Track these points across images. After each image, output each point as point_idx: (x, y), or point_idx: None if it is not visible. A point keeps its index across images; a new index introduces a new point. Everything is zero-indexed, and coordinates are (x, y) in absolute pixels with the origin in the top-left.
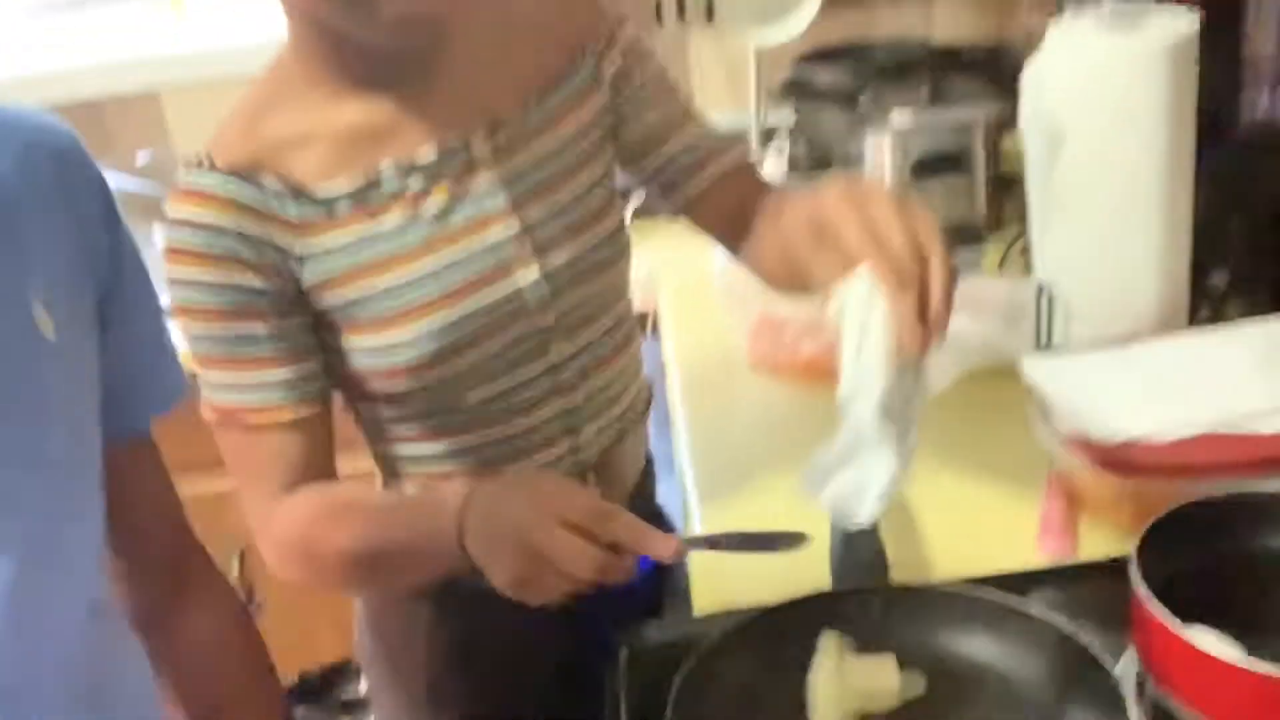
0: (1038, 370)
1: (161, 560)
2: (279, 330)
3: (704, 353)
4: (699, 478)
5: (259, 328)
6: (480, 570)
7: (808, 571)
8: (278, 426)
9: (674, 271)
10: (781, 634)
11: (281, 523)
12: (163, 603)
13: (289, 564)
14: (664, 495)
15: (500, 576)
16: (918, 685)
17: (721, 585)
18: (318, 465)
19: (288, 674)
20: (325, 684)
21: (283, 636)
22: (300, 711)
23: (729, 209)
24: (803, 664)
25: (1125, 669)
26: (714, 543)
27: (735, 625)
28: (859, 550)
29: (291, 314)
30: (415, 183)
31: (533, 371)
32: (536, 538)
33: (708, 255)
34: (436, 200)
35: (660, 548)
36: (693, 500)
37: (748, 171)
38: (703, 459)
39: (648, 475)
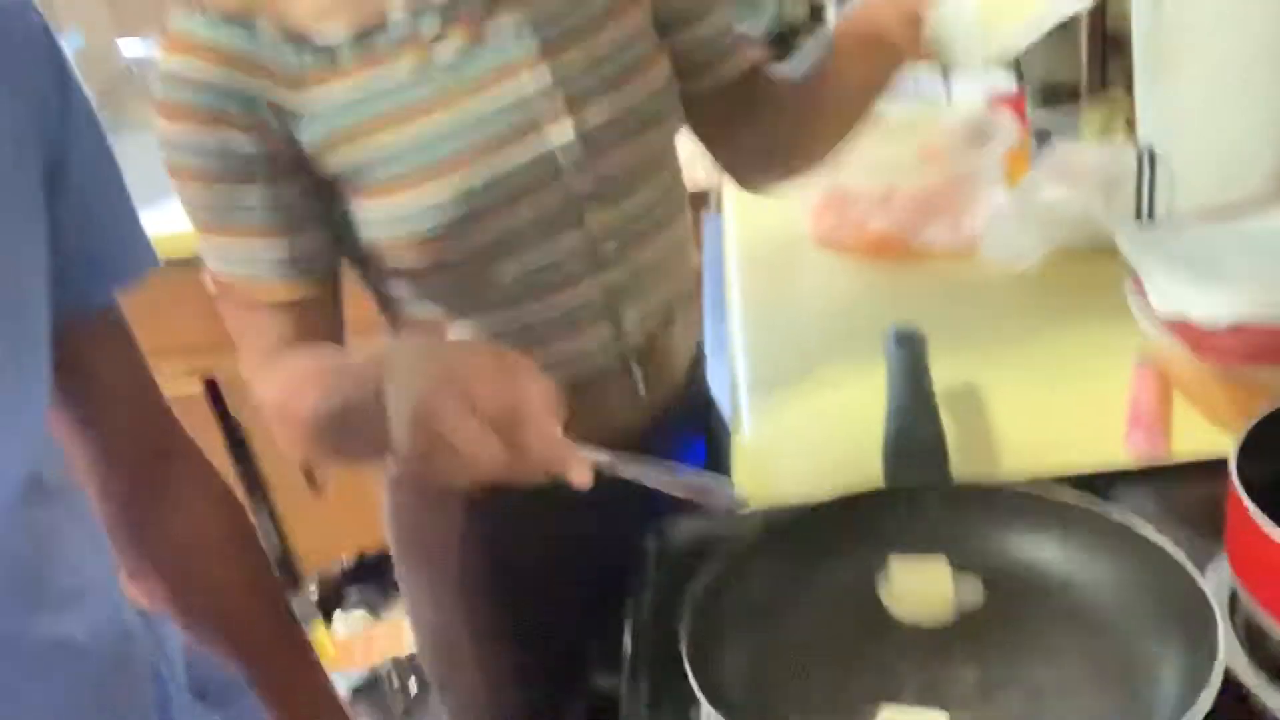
0: (1136, 242)
1: (137, 446)
2: (273, 198)
3: (766, 228)
4: (751, 362)
5: (251, 194)
6: None
7: (868, 466)
8: (271, 305)
9: None
10: (822, 534)
11: (266, 388)
12: (142, 492)
13: (277, 430)
14: (716, 382)
15: (403, 448)
16: (975, 594)
17: (766, 480)
18: (316, 343)
19: (345, 554)
20: (382, 565)
21: (343, 517)
22: (354, 592)
23: (747, 104)
24: (842, 568)
25: (1216, 582)
26: (639, 475)
27: (769, 524)
28: (916, 440)
29: (288, 180)
30: (428, 24)
31: (568, 244)
32: (443, 421)
33: None
34: (453, 45)
35: (573, 470)
36: (742, 386)
37: (767, 68)
38: (757, 341)
39: (699, 363)
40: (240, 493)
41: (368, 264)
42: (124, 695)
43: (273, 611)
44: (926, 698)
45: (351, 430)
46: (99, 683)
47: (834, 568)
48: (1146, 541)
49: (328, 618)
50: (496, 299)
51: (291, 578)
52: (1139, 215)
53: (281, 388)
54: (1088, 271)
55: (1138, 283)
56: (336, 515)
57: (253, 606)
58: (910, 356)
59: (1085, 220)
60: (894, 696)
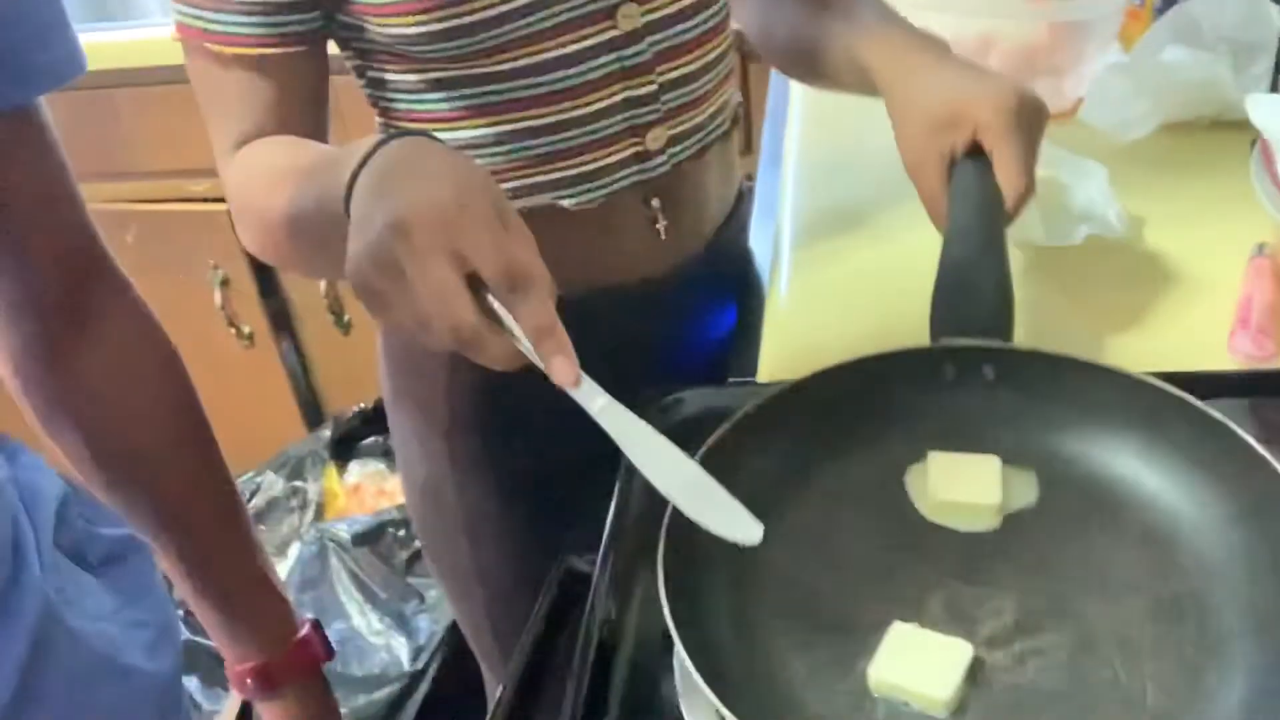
0: (1268, 111)
1: (52, 269)
2: None
3: None
4: (800, 222)
5: None
6: None
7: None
8: (241, 62)
9: None
10: (847, 406)
11: (235, 179)
12: (55, 323)
13: (246, 229)
14: (761, 247)
15: (350, 262)
16: (1027, 493)
17: (799, 353)
18: (295, 116)
19: (370, 398)
20: None
21: (371, 356)
22: (372, 439)
23: None
24: (868, 450)
25: None
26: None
27: (779, 398)
28: (974, 281)
29: None
30: None
31: (597, 38)
32: (408, 256)
33: None
34: None
35: (558, 368)
36: (785, 246)
37: None
38: (809, 199)
39: (736, 220)
40: (265, 325)
41: (375, 46)
42: None
43: (201, 474)
44: (950, 623)
45: (315, 234)
46: None
47: (858, 449)
48: (1249, 451)
49: (343, 463)
50: (509, 95)
51: (315, 418)
52: (1276, 89)
53: (252, 178)
54: (1206, 148)
55: (1267, 161)
56: (365, 355)
57: (178, 465)
58: (980, 180)
59: (1210, 88)
60: (910, 617)
